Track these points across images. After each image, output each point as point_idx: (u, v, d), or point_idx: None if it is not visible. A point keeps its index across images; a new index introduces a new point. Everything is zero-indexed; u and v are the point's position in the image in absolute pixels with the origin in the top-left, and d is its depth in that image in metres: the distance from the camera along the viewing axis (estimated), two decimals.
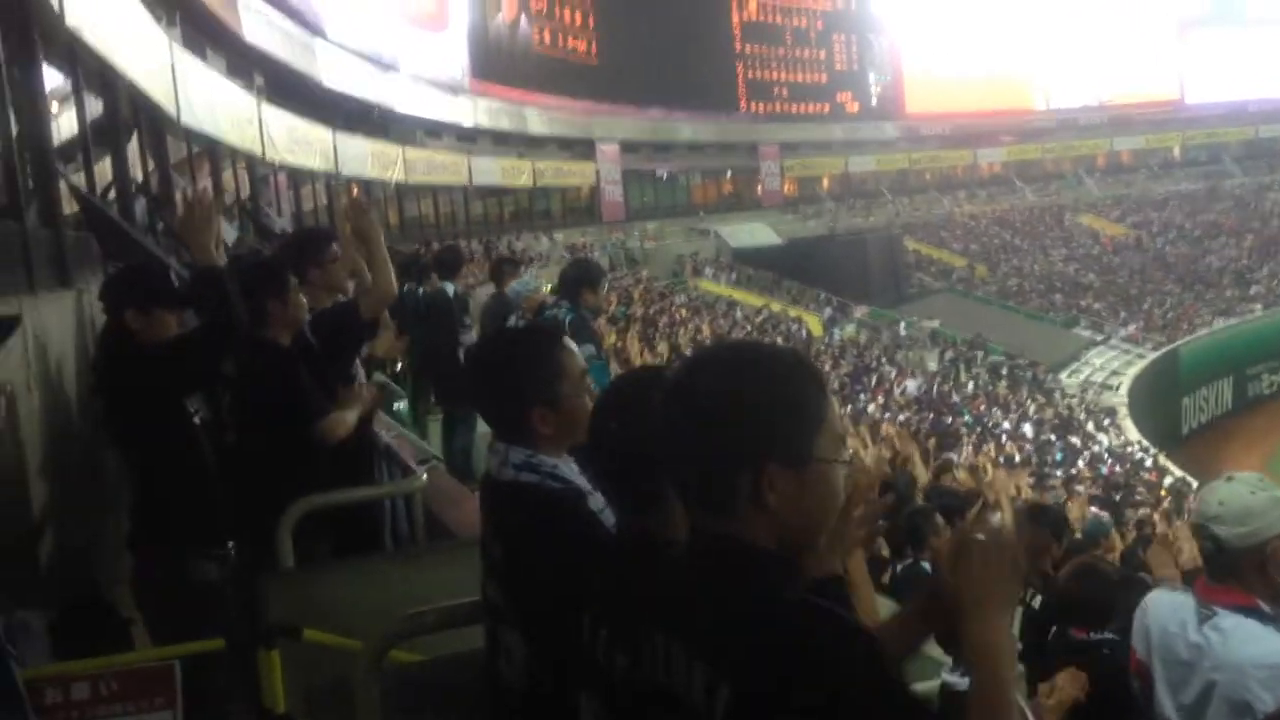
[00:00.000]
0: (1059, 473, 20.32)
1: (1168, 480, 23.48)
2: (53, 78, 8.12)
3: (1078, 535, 9.40)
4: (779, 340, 27.82)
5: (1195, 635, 2.82)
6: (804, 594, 1.53)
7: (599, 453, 2.19)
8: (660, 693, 1.56)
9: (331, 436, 3.94)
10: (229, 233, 10.91)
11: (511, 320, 7.16)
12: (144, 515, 3.87)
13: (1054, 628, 4.53)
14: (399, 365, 8.88)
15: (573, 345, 2.52)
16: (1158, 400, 33.36)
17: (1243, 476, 2.85)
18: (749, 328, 28.59)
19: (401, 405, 7.84)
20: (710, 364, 1.63)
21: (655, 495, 2.01)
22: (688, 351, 20.90)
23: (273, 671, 2.88)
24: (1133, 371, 34.35)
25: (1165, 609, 2.96)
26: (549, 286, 8.69)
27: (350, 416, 3.97)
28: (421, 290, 8.84)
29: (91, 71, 9.62)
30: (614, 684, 1.90)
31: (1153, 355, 36.31)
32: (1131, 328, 39.07)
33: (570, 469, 2.40)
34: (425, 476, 3.80)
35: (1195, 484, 23.33)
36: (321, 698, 2.96)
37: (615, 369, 9.30)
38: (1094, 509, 15.61)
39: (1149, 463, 25.18)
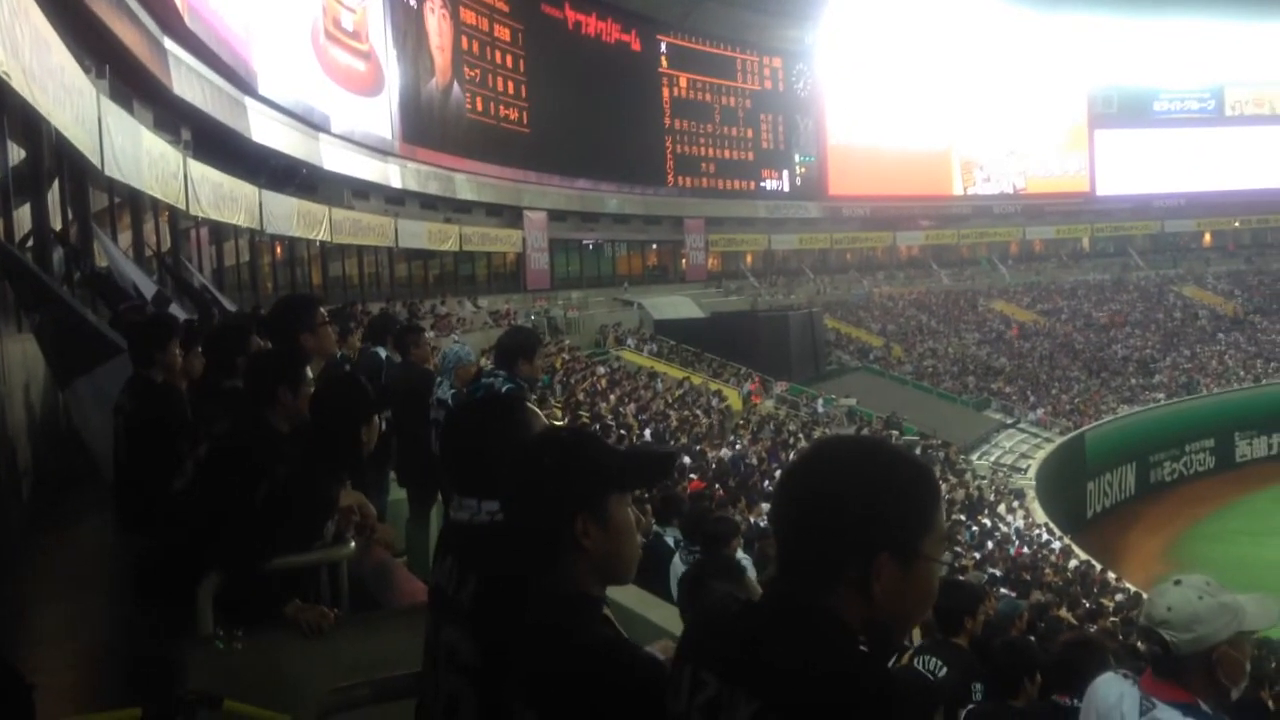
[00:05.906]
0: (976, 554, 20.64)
1: (1073, 563, 23.94)
2: None
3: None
4: (699, 413, 27.96)
5: None
6: (889, 669, 1.65)
7: None
8: None
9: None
10: (147, 286, 10.72)
11: (441, 388, 7.07)
12: None
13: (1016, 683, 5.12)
14: None
15: (534, 408, 2.58)
16: (1064, 484, 34.07)
17: (1190, 580, 2.88)
18: (669, 399, 28.68)
19: None
20: (843, 452, 1.73)
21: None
22: (609, 421, 20.88)
23: None
24: (1041, 455, 35.10)
25: (1112, 694, 3.04)
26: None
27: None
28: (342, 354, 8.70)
29: (16, 119, 9.47)
30: None
31: (1060, 440, 37.15)
32: (1040, 412, 39.95)
33: None
34: (353, 545, 3.73)
35: (1099, 567, 23.87)
36: None
37: None
38: (1004, 590, 15.87)
39: (1055, 545, 25.63)
